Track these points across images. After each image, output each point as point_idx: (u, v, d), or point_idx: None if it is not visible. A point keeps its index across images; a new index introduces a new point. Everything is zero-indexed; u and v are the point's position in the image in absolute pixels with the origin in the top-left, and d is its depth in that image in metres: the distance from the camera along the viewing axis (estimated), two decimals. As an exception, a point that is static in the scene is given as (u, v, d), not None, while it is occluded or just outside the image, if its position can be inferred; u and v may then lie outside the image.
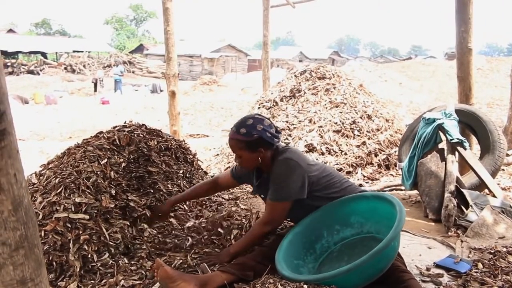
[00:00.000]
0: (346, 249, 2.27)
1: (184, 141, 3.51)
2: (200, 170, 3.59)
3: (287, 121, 5.81)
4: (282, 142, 2.51)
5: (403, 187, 4.30)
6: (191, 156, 3.40)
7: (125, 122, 3.12)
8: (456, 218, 3.26)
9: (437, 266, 2.47)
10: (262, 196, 2.56)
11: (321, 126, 5.53)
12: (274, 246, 2.23)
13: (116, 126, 3.04)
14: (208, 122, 11.84)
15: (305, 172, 2.25)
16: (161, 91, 20.66)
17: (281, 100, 6.30)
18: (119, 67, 21.21)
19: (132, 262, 2.32)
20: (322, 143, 5.31)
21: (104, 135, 2.88)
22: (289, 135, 5.58)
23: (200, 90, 20.92)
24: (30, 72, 27.39)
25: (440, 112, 4.04)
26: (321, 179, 2.32)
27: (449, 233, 3.15)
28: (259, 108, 6.50)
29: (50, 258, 2.16)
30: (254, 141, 2.25)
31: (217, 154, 6.54)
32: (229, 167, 5.56)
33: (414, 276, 2.02)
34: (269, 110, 6.27)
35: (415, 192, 4.14)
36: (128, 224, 2.54)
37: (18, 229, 1.14)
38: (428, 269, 2.42)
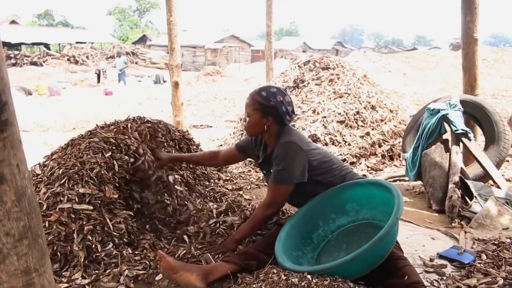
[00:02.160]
0: (344, 237, 2.27)
1: (187, 131, 3.51)
2: (204, 161, 3.59)
3: (290, 112, 5.78)
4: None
5: (407, 178, 4.30)
6: (195, 147, 3.39)
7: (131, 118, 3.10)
8: (460, 209, 3.25)
9: (441, 257, 2.47)
10: (264, 172, 2.59)
11: (324, 117, 5.51)
12: (276, 235, 2.23)
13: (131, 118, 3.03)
14: (211, 113, 11.82)
15: (306, 155, 2.26)
16: (164, 82, 20.64)
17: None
18: (122, 58, 21.12)
19: (136, 252, 2.33)
20: (325, 133, 5.29)
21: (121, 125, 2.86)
22: (293, 125, 5.56)
23: (203, 81, 20.86)
24: (33, 63, 27.43)
25: (445, 103, 4.02)
26: (322, 164, 2.32)
27: (453, 224, 3.14)
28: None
29: (55, 248, 2.17)
30: (268, 107, 2.28)
31: (221, 145, 6.53)
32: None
33: (409, 262, 2.02)
34: (272, 100, 6.25)
35: (419, 183, 4.13)
36: (132, 214, 2.55)
37: (21, 220, 1.14)
38: (431, 260, 2.42)
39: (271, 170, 2.32)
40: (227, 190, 3.47)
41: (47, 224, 2.20)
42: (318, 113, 5.60)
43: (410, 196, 4.01)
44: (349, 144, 5.20)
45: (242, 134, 5.98)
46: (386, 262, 1.92)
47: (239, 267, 2.06)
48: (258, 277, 1.91)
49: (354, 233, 2.25)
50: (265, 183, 2.65)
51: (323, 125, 5.40)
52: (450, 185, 3.42)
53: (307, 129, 5.36)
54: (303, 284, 1.75)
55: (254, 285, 1.83)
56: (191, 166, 3.31)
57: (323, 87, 6.02)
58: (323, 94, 5.90)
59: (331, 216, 2.34)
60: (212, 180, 3.49)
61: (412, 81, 16.34)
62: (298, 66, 6.67)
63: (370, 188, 2.26)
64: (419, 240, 2.76)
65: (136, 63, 30.96)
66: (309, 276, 1.80)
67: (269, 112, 2.29)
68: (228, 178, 4.00)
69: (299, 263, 2.13)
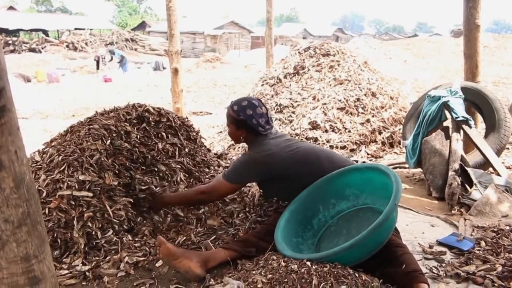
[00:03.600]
0: (344, 222, 2.27)
1: (187, 118, 3.48)
2: (203, 148, 3.58)
3: (290, 98, 5.77)
4: (274, 129, 2.57)
5: (407, 165, 4.29)
6: (194, 134, 3.37)
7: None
8: (460, 196, 3.26)
9: (440, 244, 2.48)
10: None
11: (325, 104, 5.49)
12: (276, 222, 2.24)
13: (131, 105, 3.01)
14: (211, 100, 11.77)
15: (260, 165, 2.33)
16: (163, 68, 20.50)
17: (285, 77, 6.24)
18: (116, 52, 20.64)
19: (136, 239, 2.33)
20: (325, 120, 5.28)
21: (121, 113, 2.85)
22: (293, 112, 5.55)
23: (203, 68, 20.74)
24: (32, 50, 27.22)
25: (446, 90, 4.00)
26: (291, 169, 2.34)
27: (453, 211, 3.15)
28: (262, 85, 6.44)
29: (55, 235, 2.18)
30: (239, 121, 2.42)
31: (220, 132, 6.51)
32: (233, 144, 5.55)
33: (408, 250, 2.02)
34: (272, 87, 6.22)
35: (419, 170, 4.13)
36: (132, 201, 2.54)
37: (20, 206, 1.14)
38: (431, 247, 2.43)
39: None
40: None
41: (47, 211, 2.20)
42: (318, 100, 5.57)
43: (410, 183, 4.01)
44: (349, 131, 5.19)
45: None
46: (385, 250, 1.92)
47: (239, 254, 2.07)
48: (257, 263, 1.91)
49: (354, 218, 2.25)
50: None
51: (323, 112, 5.39)
52: (450, 173, 3.41)
53: (307, 116, 5.35)
54: (302, 270, 1.76)
55: (253, 272, 1.83)
56: (191, 152, 3.30)
57: (324, 73, 5.99)
58: (323, 80, 5.87)
59: (331, 201, 2.34)
60: (212, 167, 3.47)
61: (413, 68, 16.24)
62: (299, 52, 6.62)
63: (368, 173, 2.25)
64: (418, 227, 2.76)
65: (136, 49, 30.75)
66: (308, 263, 1.80)
67: (241, 125, 2.42)
68: (228, 164, 3.98)
69: (299, 249, 2.13)
